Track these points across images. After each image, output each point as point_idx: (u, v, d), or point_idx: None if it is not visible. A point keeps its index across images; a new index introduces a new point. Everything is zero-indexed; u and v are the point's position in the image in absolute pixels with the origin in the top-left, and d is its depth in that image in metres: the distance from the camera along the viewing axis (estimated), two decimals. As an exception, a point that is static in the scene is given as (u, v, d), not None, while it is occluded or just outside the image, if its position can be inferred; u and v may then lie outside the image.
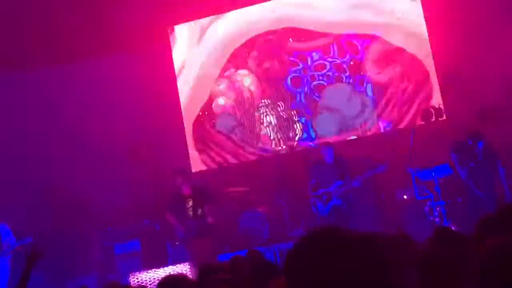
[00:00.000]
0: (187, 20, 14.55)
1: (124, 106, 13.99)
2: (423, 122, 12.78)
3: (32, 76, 13.90)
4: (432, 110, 12.99)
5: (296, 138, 13.70)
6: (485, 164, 9.66)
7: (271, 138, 13.88)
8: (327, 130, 13.51)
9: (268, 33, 14.07)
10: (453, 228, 5.66)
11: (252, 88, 14.12)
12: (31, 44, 13.28)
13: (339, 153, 10.31)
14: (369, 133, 13.14)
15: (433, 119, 12.83)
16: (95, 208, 13.11)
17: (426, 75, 13.01)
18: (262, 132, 13.94)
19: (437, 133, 11.56)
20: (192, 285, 5.06)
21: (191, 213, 10.33)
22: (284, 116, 13.85)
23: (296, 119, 13.80)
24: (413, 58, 13.15)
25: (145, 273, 9.41)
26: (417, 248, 4.31)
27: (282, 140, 13.79)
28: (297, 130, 13.78)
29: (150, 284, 8.70)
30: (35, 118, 13.55)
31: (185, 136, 14.34)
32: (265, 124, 13.94)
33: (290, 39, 13.96)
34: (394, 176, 10.89)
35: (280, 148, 13.73)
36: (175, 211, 10.49)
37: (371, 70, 13.39)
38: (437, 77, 13.06)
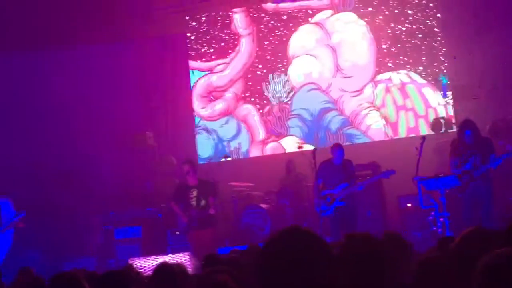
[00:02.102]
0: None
1: (135, 91, 14.02)
2: (433, 132, 12.77)
3: (37, 57, 13.86)
4: (442, 121, 12.95)
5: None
6: (477, 151, 9.53)
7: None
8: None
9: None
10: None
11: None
12: (39, 25, 13.29)
13: (347, 156, 10.26)
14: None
15: (443, 130, 12.79)
16: (99, 191, 13.13)
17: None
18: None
19: (447, 144, 11.52)
20: (188, 276, 5.05)
21: (194, 203, 10.31)
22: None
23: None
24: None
25: (145, 259, 9.40)
26: (417, 256, 4.30)
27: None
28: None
29: (149, 271, 8.70)
30: (47, 101, 13.55)
31: (193, 125, 14.42)
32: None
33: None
34: (399, 183, 10.85)
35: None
36: (179, 200, 10.49)
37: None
38: (451, 90, 13.10)
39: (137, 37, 14.36)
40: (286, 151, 13.81)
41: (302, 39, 14.11)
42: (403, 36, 13.42)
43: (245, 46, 14.47)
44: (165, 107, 14.65)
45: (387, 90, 13.54)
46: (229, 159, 13.32)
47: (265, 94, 14.19)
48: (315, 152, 10.22)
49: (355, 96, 13.66)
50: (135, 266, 8.40)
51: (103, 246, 12.32)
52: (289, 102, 14.08)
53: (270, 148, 14.06)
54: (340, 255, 2.99)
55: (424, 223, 10.32)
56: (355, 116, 13.65)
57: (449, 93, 13.22)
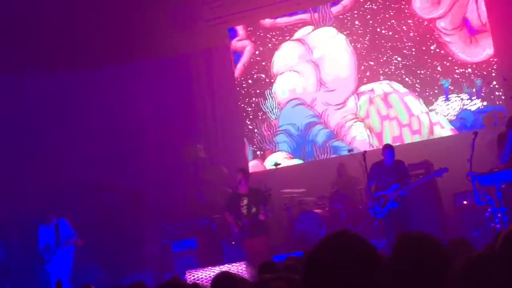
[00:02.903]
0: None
1: (183, 105, 14.16)
2: (485, 127, 12.56)
3: (89, 76, 14.05)
4: (494, 115, 12.73)
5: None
6: None
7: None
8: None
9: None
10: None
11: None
12: (86, 45, 13.52)
13: (399, 156, 10.17)
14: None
15: (496, 125, 12.56)
16: (153, 205, 13.29)
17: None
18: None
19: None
20: (248, 284, 5.07)
21: (245, 211, 10.37)
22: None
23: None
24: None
25: (201, 271, 9.48)
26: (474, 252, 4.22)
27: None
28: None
29: (206, 282, 8.77)
30: (97, 117, 13.78)
31: (243, 135, 14.51)
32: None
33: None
34: (454, 181, 10.68)
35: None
36: (232, 209, 10.55)
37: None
38: (502, 82, 12.84)
39: (184, 50, 14.52)
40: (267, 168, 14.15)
41: (285, 56, 14.42)
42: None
43: None
44: (215, 118, 14.78)
45: (371, 101, 13.67)
46: (279, 166, 13.34)
47: (263, 110, 14.46)
48: (366, 154, 10.17)
49: (339, 108, 13.90)
50: (189, 277, 8.48)
51: (160, 260, 12.47)
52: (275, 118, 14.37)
53: (251, 166, 14.34)
54: (393, 256, 2.97)
55: (482, 219, 10.14)
56: (340, 128, 13.90)
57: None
